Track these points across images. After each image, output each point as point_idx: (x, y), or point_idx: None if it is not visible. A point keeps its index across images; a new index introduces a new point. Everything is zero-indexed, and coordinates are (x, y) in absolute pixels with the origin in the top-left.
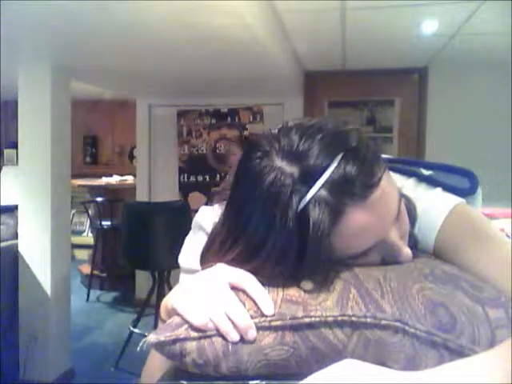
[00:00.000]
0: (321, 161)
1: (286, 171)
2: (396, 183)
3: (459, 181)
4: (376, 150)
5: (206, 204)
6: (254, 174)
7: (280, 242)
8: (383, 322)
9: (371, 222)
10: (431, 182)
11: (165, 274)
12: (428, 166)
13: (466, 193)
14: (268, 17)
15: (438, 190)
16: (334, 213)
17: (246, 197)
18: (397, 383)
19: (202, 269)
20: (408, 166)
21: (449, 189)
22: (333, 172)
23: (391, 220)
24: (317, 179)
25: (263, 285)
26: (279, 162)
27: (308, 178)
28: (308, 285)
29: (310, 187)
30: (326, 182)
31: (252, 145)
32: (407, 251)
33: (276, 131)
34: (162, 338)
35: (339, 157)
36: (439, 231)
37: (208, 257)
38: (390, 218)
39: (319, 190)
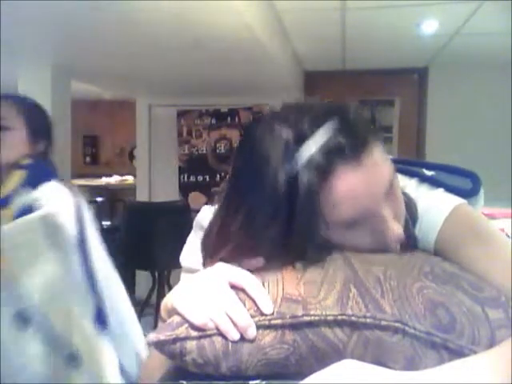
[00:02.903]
0: (315, 125)
1: (282, 135)
2: (391, 163)
3: (462, 182)
4: (370, 122)
5: (207, 204)
6: (253, 140)
7: (273, 204)
8: (383, 322)
9: (360, 186)
10: (433, 183)
11: (165, 274)
12: (430, 167)
13: (468, 194)
14: (268, 17)
15: (440, 190)
16: (323, 171)
17: (244, 161)
18: (396, 383)
19: (204, 254)
20: (410, 166)
21: (451, 189)
22: (325, 134)
23: (381, 192)
24: (309, 141)
25: (263, 283)
26: (276, 127)
27: (301, 140)
28: (308, 283)
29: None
30: (317, 143)
31: (255, 118)
32: (397, 230)
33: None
34: (163, 337)
35: (333, 122)
36: (440, 231)
37: (211, 235)
38: (379, 188)
39: (310, 150)
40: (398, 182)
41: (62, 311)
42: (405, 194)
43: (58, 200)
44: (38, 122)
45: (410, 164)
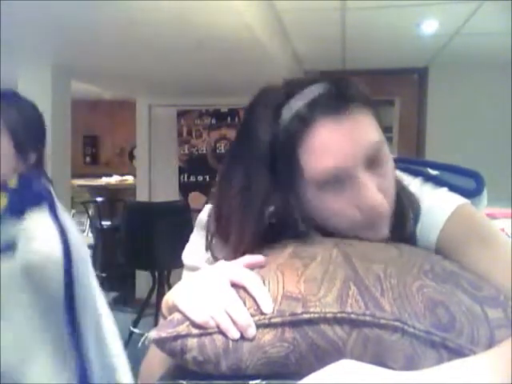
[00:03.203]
0: (307, 84)
1: (275, 97)
2: (381, 137)
3: (465, 182)
4: (363, 91)
5: (207, 203)
6: (249, 107)
7: (260, 159)
8: (382, 320)
9: (336, 140)
10: (437, 182)
11: (165, 274)
12: (434, 166)
13: (471, 194)
14: (268, 17)
15: (444, 189)
16: (304, 121)
17: (240, 127)
18: (394, 383)
19: (216, 241)
20: (414, 165)
21: (455, 189)
22: (313, 90)
23: (359, 153)
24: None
25: (263, 281)
26: (271, 92)
27: (291, 96)
28: (308, 280)
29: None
30: (304, 97)
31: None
32: (379, 201)
33: None
34: (164, 335)
35: (324, 83)
36: (441, 230)
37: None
38: (358, 149)
39: (296, 103)
40: (390, 162)
41: (41, 375)
42: (408, 191)
43: (43, 243)
44: (27, 128)
45: (413, 163)
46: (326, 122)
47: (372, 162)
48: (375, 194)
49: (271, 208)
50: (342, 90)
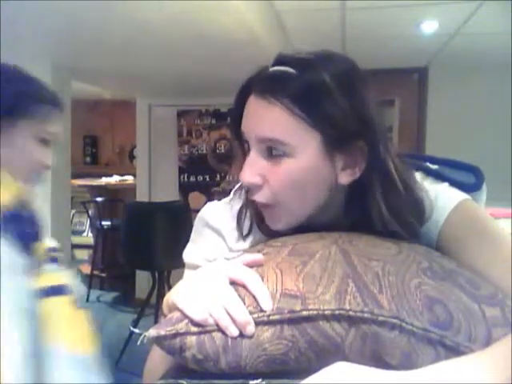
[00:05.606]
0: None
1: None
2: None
3: (465, 176)
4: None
5: (207, 203)
6: None
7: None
8: (380, 318)
9: (251, 113)
10: (438, 177)
11: (165, 274)
12: (433, 161)
13: (471, 188)
14: (268, 17)
15: (445, 185)
16: (245, 90)
17: None
18: None
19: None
20: (414, 160)
21: (455, 184)
22: (274, 69)
23: (252, 132)
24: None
25: (262, 279)
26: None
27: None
28: (307, 278)
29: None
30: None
31: None
32: (243, 175)
33: None
34: (163, 332)
35: (293, 67)
36: (443, 226)
37: None
38: (252, 129)
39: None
40: (293, 167)
41: None
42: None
43: None
44: None
45: (413, 157)
46: (255, 97)
47: (269, 152)
48: (244, 172)
49: None
50: (282, 80)
